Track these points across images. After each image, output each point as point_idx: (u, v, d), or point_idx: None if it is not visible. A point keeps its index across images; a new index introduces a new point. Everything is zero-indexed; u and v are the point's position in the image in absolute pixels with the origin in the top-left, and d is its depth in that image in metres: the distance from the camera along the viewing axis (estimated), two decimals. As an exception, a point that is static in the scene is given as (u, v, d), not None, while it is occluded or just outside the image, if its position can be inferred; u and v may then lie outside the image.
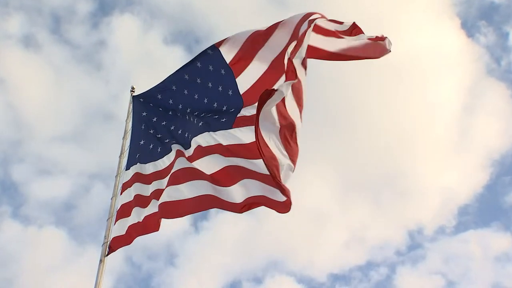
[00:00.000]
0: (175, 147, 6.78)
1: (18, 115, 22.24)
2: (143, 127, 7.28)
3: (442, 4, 26.76)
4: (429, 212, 23.06)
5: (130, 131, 7.37)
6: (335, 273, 21.75)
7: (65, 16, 24.84)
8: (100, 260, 6.41)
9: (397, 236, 22.63)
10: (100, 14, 27.03)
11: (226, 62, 6.52)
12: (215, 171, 6.27)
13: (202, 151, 6.43)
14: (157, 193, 6.70)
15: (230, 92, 6.45)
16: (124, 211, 6.73)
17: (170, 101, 7.05)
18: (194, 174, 6.41)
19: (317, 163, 22.09)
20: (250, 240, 22.03)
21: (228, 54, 6.55)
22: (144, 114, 7.34)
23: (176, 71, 7.04)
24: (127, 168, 7.07)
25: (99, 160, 21.34)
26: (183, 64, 6.98)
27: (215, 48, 6.60)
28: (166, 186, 6.61)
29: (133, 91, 7.76)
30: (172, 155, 6.79)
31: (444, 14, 25.57)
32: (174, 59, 25.14)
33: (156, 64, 24.79)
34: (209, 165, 6.32)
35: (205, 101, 6.69)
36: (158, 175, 6.85)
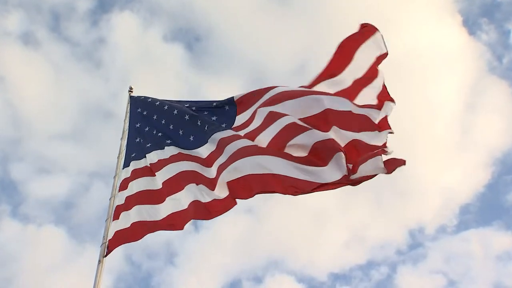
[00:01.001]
0: (217, 136, 6.68)
1: (17, 113, 22.21)
2: (138, 125, 7.27)
3: (443, 1, 26.69)
4: (430, 211, 23.00)
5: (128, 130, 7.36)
6: (336, 273, 21.73)
7: (64, 13, 24.79)
8: (99, 261, 6.30)
9: (397, 236, 22.57)
10: (99, 11, 27.05)
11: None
12: (307, 153, 5.99)
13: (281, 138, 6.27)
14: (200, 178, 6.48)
15: None
16: (118, 212, 6.55)
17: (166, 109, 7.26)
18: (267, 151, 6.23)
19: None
20: (250, 239, 22.00)
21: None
22: (141, 112, 7.37)
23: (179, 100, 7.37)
24: (124, 166, 6.98)
25: (99, 158, 21.29)
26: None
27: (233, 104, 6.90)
28: (227, 165, 6.33)
29: (131, 91, 7.75)
30: (209, 145, 6.68)
31: (445, 11, 25.52)
32: (174, 57, 25.14)
33: (156, 62, 24.83)
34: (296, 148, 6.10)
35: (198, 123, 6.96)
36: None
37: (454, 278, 21.44)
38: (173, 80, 24.00)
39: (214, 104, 7.08)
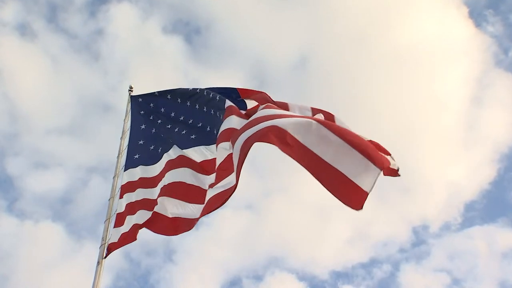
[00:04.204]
0: (167, 157, 6.77)
1: (13, 106, 21.83)
2: (143, 127, 7.11)
3: (449, -8, 26.24)
4: (434, 208, 22.71)
5: (129, 130, 7.16)
6: (338, 271, 21.45)
7: (61, 4, 24.41)
8: (98, 262, 6.12)
9: (401, 233, 22.31)
10: (97, 2, 26.66)
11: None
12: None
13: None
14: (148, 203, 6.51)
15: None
16: (121, 218, 6.39)
17: (169, 98, 7.11)
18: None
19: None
20: (251, 236, 21.74)
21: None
22: (143, 113, 7.21)
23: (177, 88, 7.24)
24: (126, 169, 6.77)
25: (98, 153, 20.98)
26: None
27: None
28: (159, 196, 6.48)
29: (131, 91, 7.62)
30: (162, 163, 6.73)
31: (451, 3, 25.17)
32: (174, 50, 24.79)
33: (155, 54, 24.48)
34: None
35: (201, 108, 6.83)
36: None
37: (459, 276, 21.20)
38: (172, 73, 23.66)
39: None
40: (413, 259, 22.15)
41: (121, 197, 6.54)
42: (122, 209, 6.43)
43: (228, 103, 6.34)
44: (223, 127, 6.14)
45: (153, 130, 7.04)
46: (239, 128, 5.69)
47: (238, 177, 5.31)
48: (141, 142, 6.96)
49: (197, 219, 6.03)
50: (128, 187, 6.57)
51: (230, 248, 20.93)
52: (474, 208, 23.29)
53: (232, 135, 5.78)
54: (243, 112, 6.22)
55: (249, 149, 5.16)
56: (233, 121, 6.02)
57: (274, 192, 21.91)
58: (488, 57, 24.91)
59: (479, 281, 20.93)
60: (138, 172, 6.71)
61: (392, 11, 24.05)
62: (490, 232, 22.10)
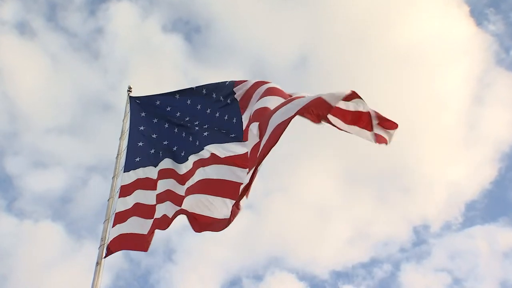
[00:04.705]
0: (193, 158, 6.62)
1: (13, 105, 21.80)
2: (142, 128, 7.07)
3: (449, -9, 26.19)
4: (435, 207, 22.68)
5: (128, 131, 7.14)
6: (338, 270, 21.41)
7: (61, 3, 24.38)
8: (97, 263, 6.10)
9: (401, 232, 22.27)
10: (97, 1, 26.64)
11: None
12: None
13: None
14: (174, 197, 6.43)
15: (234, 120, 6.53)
16: (122, 217, 6.40)
17: (168, 108, 7.10)
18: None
19: (320, 156, 21.74)
20: (251, 236, 21.68)
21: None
22: (143, 115, 7.19)
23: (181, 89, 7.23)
24: (125, 170, 6.76)
25: (97, 152, 20.93)
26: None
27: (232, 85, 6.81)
28: (188, 194, 6.36)
29: (130, 91, 7.59)
30: (189, 163, 6.60)
31: (452, 2, 25.10)
32: (173, 49, 24.75)
33: (155, 53, 24.44)
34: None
35: (208, 111, 6.79)
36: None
37: (459, 276, 21.16)
38: (172, 72, 23.64)
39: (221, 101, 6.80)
40: (413, 259, 22.14)
41: (120, 196, 6.54)
42: (125, 208, 6.44)
43: (270, 84, 6.30)
44: (257, 106, 6.01)
45: (154, 135, 7.02)
46: (272, 108, 5.59)
47: (264, 156, 5.11)
48: (141, 143, 6.94)
49: (231, 218, 5.91)
50: (128, 189, 6.57)
51: (230, 248, 20.85)
52: (475, 207, 23.28)
53: (263, 114, 5.64)
54: (290, 95, 6.03)
55: (287, 124, 5.03)
56: (269, 101, 5.89)
57: (274, 192, 21.87)
58: (489, 56, 24.91)
59: (480, 281, 20.93)
60: (136, 174, 6.70)
61: (392, 11, 24.03)
62: (491, 232, 22.08)
